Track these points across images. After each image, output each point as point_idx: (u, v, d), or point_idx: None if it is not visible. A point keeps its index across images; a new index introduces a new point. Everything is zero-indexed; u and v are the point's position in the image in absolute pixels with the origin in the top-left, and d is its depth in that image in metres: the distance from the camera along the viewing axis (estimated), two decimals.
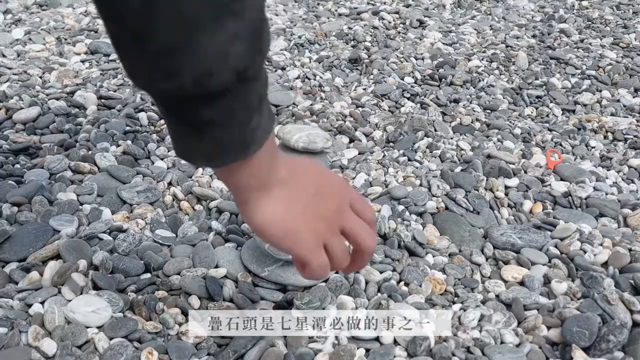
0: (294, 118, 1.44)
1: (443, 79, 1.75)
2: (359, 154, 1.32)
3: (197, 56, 0.40)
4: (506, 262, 0.98)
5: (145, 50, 0.40)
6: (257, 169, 0.51)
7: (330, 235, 0.57)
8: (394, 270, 0.93)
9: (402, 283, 0.91)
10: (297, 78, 1.71)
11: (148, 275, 0.89)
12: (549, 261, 0.97)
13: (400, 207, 1.09)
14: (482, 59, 1.94)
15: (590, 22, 2.41)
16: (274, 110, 1.42)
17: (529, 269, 0.96)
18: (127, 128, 1.31)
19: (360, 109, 1.54)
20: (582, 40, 2.18)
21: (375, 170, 1.24)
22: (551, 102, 1.68)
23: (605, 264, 0.97)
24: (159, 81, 0.42)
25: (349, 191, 0.61)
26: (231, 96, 0.44)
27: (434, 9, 2.53)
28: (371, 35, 2.09)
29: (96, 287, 0.84)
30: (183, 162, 0.48)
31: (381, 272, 0.91)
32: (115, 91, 1.52)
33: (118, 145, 1.23)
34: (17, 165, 1.15)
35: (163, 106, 0.47)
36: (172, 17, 0.38)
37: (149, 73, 0.42)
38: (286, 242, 0.55)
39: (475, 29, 2.27)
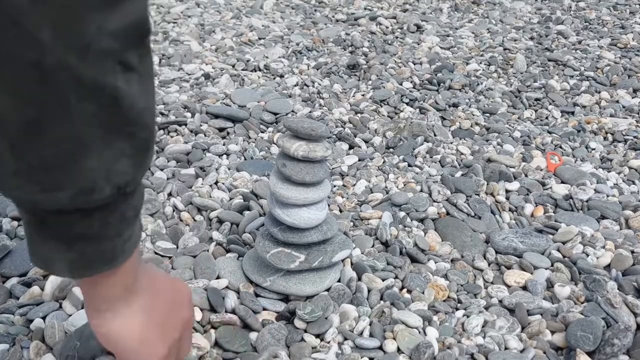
0: None
1: (441, 83, 1.75)
2: (359, 160, 1.32)
3: (80, 174, 0.37)
4: (508, 267, 0.98)
5: (20, 161, 0.36)
6: (122, 278, 0.49)
7: (176, 344, 0.57)
8: (396, 277, 0.93)
9: (404, 290, 0.91)
10: (295, 85, 1.71)
11: None
12: (552, 265, 0.97)
13: (402, 214, 1.08)
14: (480, 62, 1.94)
15: (587, 23, 2.41)
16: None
17: (531, 274, 0.95)
18: None
19: (359, 115, 1.54)
20: (579, 42, 2.18)
21: (376, 176, 1.24)
22: (550, 104, 1.68)
23: (607, 267, 0.96)
24: (31, 193, 0.38)
25: (191, 306, 0.62)
26: (108, 210, 0.42)
27: (431, 13, 2.53)
28: (369, 41, 2.09)
29: None
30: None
31: (383, 280, 0.91)
32: None
33: None
34: None
35: (27, 215, 0.42)
36: (60, 136, 0.35)
37: (20, 184, 0.37)
38: (141, 353, 0.52)
39: (472, 33, 2.27)
